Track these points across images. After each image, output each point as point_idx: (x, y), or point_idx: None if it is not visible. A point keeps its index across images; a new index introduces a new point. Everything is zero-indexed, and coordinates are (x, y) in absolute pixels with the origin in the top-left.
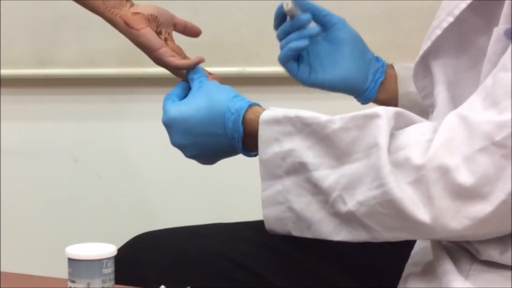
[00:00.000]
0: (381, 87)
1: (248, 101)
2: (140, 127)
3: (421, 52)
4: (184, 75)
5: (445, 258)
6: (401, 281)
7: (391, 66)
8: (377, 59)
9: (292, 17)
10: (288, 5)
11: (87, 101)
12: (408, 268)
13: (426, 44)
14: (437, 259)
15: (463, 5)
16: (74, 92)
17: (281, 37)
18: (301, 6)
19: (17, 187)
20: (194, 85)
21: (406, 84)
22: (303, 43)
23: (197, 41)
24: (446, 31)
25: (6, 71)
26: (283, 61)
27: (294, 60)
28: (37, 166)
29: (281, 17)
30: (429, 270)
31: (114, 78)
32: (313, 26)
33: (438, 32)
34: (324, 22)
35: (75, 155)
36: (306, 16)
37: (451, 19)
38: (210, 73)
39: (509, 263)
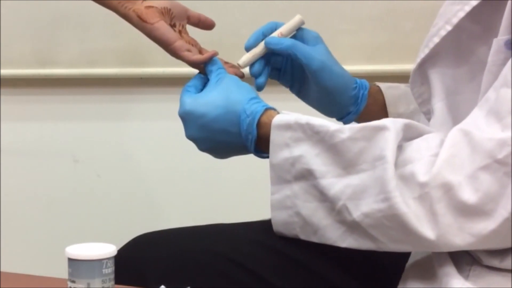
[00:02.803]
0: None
1: (265, 105)
2: (140, 127)
3: (418, 59)
4: (201, 68)
5: (445, 258)
6: (401, 281)
7: (379, 91)
8: (355, 102)
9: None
10: (240, 66)
11: (87, 101)
12: (408, 268)
13: (423, 52)
14: (437, 259)
15: (462, 14)
16: (74, 92)
17: None
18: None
19: (17, 187)
20: (212, 77)
21: (396, 105)
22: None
23: (197, 41)
24: (444, 39)
25: (6, 71)
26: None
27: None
28: (37, 166)
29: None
30: (429, 270)
31: (114, 78)
32: (258, 79)
33: (436, 40)
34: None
35: (75, 155)
36: (253, 69)
37: (449, 28)
38: (226, 62)
39: (509, 268)
